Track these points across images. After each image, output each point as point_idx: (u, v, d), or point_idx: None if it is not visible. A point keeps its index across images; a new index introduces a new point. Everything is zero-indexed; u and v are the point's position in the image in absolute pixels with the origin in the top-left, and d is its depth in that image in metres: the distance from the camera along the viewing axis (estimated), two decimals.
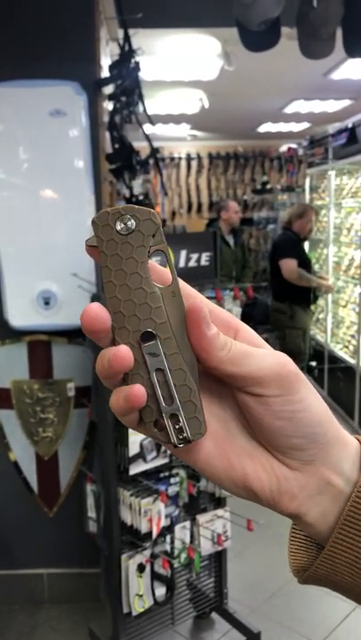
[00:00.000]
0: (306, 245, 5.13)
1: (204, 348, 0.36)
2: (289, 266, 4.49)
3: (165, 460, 2.13)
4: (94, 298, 2.12)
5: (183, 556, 2.24)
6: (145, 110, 2.60)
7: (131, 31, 2.44)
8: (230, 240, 5.41)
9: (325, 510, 0.39)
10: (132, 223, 0.36)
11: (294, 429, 0.37)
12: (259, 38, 2.43)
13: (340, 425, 0.39)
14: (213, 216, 6.18)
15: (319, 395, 0.39)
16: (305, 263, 4.66)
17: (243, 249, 5.71)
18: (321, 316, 5.62)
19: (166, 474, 2.17)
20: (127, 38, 2.43)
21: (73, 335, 2.46)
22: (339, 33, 2.48)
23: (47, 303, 2.35)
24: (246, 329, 0.40)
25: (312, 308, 4.97)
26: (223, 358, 0.36)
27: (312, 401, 0.38)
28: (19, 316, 2.40)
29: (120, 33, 2.52)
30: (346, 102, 6.21)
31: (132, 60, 2.43)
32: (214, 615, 2.54)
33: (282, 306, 4.70)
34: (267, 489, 0.39)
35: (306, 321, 4.78)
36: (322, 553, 0.38)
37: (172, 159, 9.12)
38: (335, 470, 0.38)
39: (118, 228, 0.36)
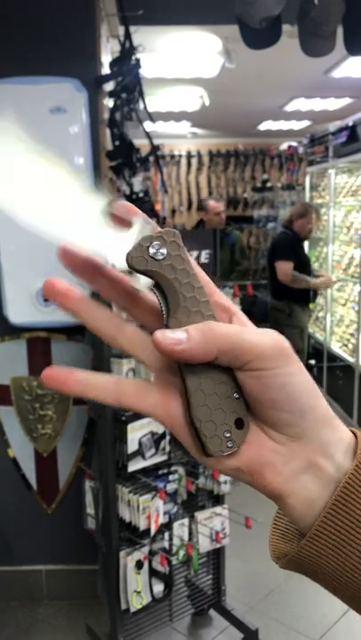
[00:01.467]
0: (306, 244, 5.13)
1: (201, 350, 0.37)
2: (283, 268, 4.49)
3: (164, 458, 2.13)
4: (93, 295, 2.12)
5: (181, 553, 2.24)
6: (145, 107, 2.59)
7: (132, 28, 2.44)
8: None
9: (312, 494, 0.38)
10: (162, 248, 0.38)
11: (283, 403, 0.37)
12: (260, 36, 2.43)
13: (331, 411, 0.39)
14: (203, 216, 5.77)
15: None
16: (304, 263, 4.66)
17: (233, 250, 5.16)
18: (321, 314, 5.62)
19: (165, 471, 2.17)
20: (128, 35, 2.43)
21: (72, 332, 2.46)
22: (340, 31, 2.48)
23: (46, 300, 2.35)
24: (240, 315, 0.41)
25: (311, 306, 4.97)
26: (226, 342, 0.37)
27: (303, 377, 0.38)
28: (18, 313, 2.40)
29: (121, 30, 2.51)
30: (347, 100, 6.20)
31: (133, 57, 2.43)
32: (212, 612, 2.55)
33: (280, 304, 4.70)
34: (244, 458, 0.39)
35: (304, 319, 4.78)
36: (308, 533, 0.37)
37: (173, 157, 9.11)
38: (324, 453, 0.38)
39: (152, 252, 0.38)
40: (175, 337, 0.36)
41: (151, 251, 0.37)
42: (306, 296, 4.65)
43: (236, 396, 0.39)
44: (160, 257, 0.37)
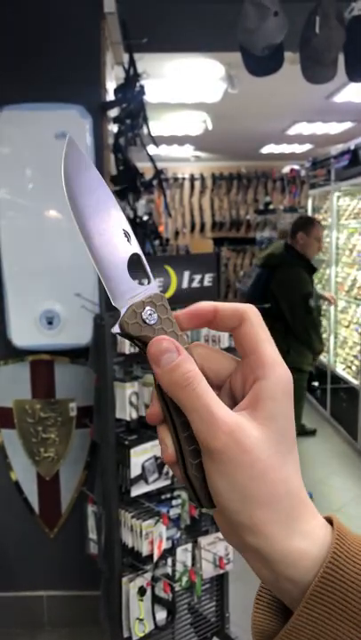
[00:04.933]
0: None
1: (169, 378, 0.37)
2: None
3: (167, 482, 2.12)
4: (97, 318, 2.12)
5: (185, 579, 2.21)
6: (149, 132, 2.63)
7: (136, 55, 2.48)
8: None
9: (264, 577, 0.39)
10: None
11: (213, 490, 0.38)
12: (262, 64, 2.47)
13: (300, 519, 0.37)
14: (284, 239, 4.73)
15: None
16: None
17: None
18: (324, 336, 5.61)
19: (168, 496, 2.15)
20: (132, 63, 2.47)
21: (75, 355, 2.46)
22: (341, 57, 2.52)
23: (50, 323, 2.36)
24: (268, 386, 0.38)
25: None
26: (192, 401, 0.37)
27: (243, 475, 0.36)
28: (22, 336, 2.40)
29: (125, 57, 2.56)
30: (348, 124, 6.26)
31: (137, 84, 2.47)
32: None
33: None
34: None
35: None
36: (283, 628, 0.37)
37: (176, 179, 9.19)
38: (258, 558, 0.38)
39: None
40: (170, 355, 0.37)
41: (144, 316, 0.39)
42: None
43: None
44: (152, 322, 0.39)
